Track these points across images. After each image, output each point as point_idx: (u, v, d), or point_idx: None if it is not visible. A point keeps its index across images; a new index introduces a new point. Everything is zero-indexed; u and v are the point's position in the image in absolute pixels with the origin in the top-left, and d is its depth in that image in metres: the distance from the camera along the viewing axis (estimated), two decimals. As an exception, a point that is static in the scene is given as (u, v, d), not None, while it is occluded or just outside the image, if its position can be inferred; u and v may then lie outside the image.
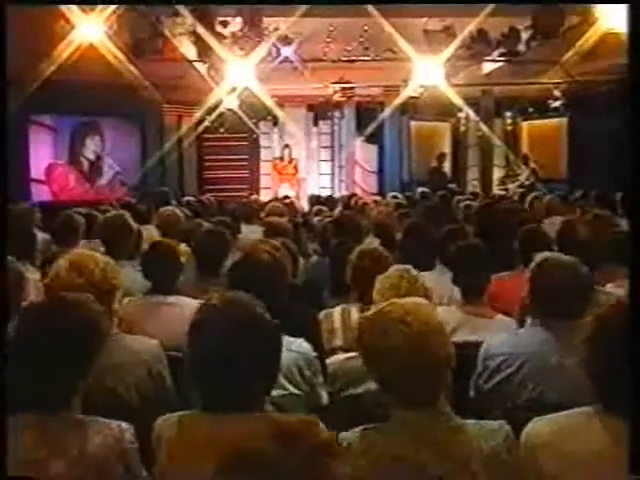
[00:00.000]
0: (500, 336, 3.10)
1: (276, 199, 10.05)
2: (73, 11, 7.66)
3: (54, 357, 2.16)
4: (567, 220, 4.69)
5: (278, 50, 11.59)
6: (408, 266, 3.07)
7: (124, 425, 2.20)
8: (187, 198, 10.64)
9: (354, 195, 10.62)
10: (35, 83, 8.64)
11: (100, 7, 7.54)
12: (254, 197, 10.80)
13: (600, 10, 8.32)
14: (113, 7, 7.61)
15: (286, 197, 11.09)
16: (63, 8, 7.69)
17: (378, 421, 2.27)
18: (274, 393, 2.69)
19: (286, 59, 11.80)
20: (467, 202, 8.12)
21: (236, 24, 9.29)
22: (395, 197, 10.41)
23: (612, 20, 8.29)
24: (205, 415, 2.06)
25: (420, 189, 11.20)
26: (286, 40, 11.53)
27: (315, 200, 10.50)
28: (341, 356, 3.02)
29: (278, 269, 3.01)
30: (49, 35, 8.04)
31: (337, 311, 3.82)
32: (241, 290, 2.92)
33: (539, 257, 2.98)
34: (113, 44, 7.87)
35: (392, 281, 2.93)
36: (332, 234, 5.76)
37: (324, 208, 8.48)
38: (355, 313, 3.76)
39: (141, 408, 2.94)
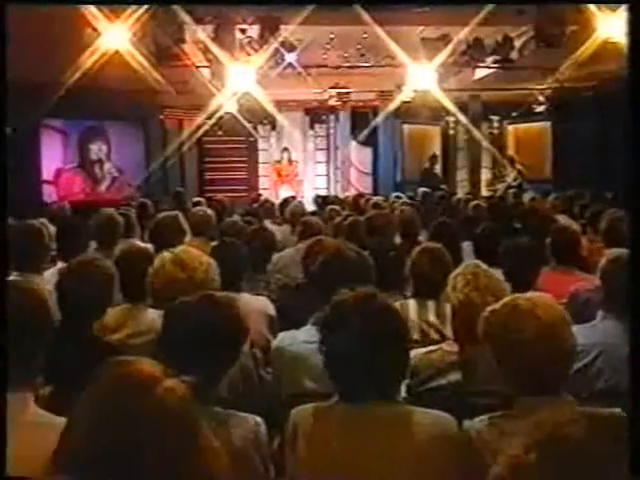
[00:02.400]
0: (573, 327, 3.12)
1: (286, 200, 10.00)
2: (99, 18, 7.59)
3: (205, 351, 2.15)
4: (613, 217, 4.73)
5: (282, 56, 11.60)
6: (478, 261, 3.08)
7: (258, 419, 2.20)
8: (197, 199, 10.57)
9: (361, 195, 10.62)
10: (62, 89, 8.57)
11: (126, 13, 7.47)
12: (264, 197, 10.76)
13: (598, 19, 8.37)
14: (137, 14, 7.54)
15: (293, 197, 11.07)
16: (89, 15, 7.61)
17: (461, 411, 2.29)
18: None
19: (289, 65, 11.81)
20: (476, 202, 8.16)
21: (255, 31, 9.26)
22: (398, 197, 10.44)
23: (610, 29, 8.36)
24: (341, 406, 2.07)
25: (421, 189, 11.24)
26: (290, 46, 11.54)
27: (322, 200, 10.46)
28: (422, 350, 3.02)
29: (365, 266, 3.03)
30: (74, 42, 7.99)
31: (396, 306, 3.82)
32: (332, 287, 2.95)
33: (611, 253, 3.02)
34: (138, 51, 7.82)
35: (467, 277, 2.92)
36: (364, 232, 5.75)
37: (337, 207, 8.45)
38: (413, 308, 3.78)
39: (231, 400, 2.93)
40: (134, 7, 7.61)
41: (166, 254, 3.00)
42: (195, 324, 2.20)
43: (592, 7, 8.26)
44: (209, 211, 6.50)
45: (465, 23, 10.18)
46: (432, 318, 3.69)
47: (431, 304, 3.72)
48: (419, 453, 2.01)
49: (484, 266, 2.97)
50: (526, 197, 10.28)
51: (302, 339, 2.94)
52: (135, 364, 1.42)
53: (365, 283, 3.03)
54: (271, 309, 3.89)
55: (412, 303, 3.77)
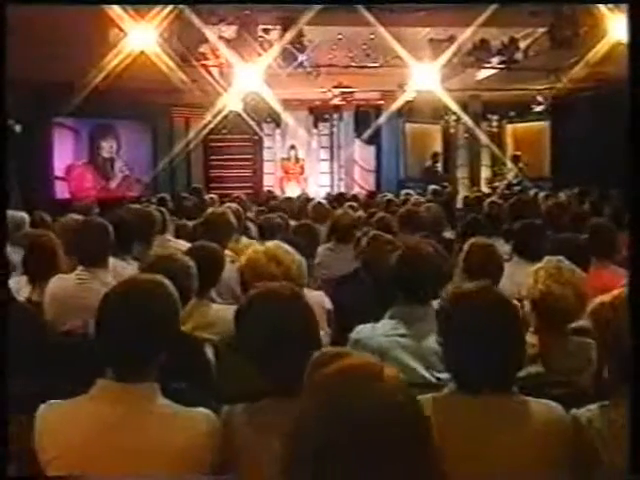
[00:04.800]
0: None
1: (299, 197, 10.03)
2: (125, 18, 7.56)
3: (296, 342, 2.15)
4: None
5: (293, 56, 11.57)
6: (560, 257, 3.11)
7: None
8: (210, 195, 10.56)
9: (374, 193, 10.64)
10: (87, 89, 8.56)
11: (152, 13, 7.45)
12: (277, 193, 10.75)
13: (609, 20, 8.40)
14: (163, 14, 7.52)
15: (304, 194, 11.09)
16: (114, 16, 7.58)
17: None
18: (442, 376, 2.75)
19: (300, 64, 11.79)
20: (492, 199, 8.20)
21: (277, 32, 9.26)
22: (408, 194, 10.49)
23: (620, 30, 8.39)
24: (460, 396, 2.09)
25: (431, 187, 11.29)
26: (300, 47, 11.51)
27: (334, 198, 10.47)
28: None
29: (443, 260, 3.06)
30: (99, 43, 7.97)
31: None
32: (408, 280, 2.97)
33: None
34: (164, 51, 7.80)
35: (550, 271, 2.96)
36: (398, 228, 5.77)
37: (354, 204, 8.48)
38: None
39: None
40: (159, 7, 7.58)
41: (259, 248, 3.03)
42: (282, 315, 2.18)
43: (603, 9, 8.29)
44: (240, 208, 6.51)
45: (469, 24, 10.16)
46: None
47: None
48: (535, 442, 2.04)
49: (566, 262, 3.00)
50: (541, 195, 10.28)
51: (382, 332, 2.96)
52: (351, 355, 1.41)
53: (442, 277, 3.08)
54: (328, 303, 3.91)
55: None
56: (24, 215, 6.01)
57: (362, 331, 3.01)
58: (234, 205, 6.63)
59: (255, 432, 2.06)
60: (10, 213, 5.89)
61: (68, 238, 4.58)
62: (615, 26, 8.43)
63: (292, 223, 7.31)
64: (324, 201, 8.07)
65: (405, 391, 1.33)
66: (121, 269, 4.51)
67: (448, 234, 6.96)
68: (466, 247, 3.87)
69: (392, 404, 1.28)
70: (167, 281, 2.18)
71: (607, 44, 8.45)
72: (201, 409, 2.11)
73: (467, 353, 2.05)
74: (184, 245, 6.05)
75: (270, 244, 3.15)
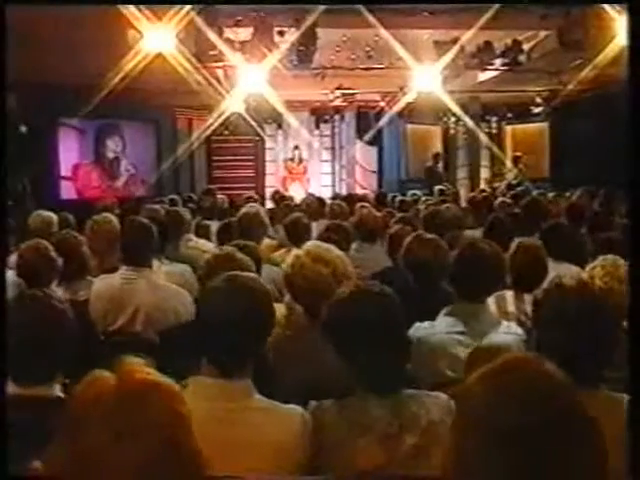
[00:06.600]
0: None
1: (307, 198, 10.01)
2: (141, 20, 7.54)
3: (381, 341, 2.17)
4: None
5: (309, 57, 11.53)
6: (615, 255, 3.14)
7: (445, 396, 2.22)
8: (220, 196, 10.53)
9: (384, 194, 10.65)
10: (96, 91, 8.56)
11: (169, 14, 7.43)
12: (287, 194, 10.76)
13: (618, 24, 8.45)
14: (180, 16, 7.50)
15: (311, 194, 11.09)
16: (130, 17, 7.56)
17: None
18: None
19: (313, 66, 11.78)
20: (503, 199, 8.22)
21: (292, 34, 9.26)
22: (415, 194, 10.52)
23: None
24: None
25: (437, 187, 11.33)
26: (315, 48, 11.47)
27: (343, 199, 10.44)
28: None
29: (500, 259, 3.07)
30: (115, 44, 7.94)
31: (491, 298, 3.86)
32: (467, 278, 2.99)
33: None
34: (181, 53, 7.79)
35: (608, 269, 3.00)
36: (423, 228, 5.77)
37: (366, 204, 8.47)
38: (510, 300, 3.83)
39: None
40: (176, 8, 7.57)
41: (299, 251, 3.02)
42: (362, 315, 2.19)
43: (612, 12, 8.33)
44: (262, 209, 6.52)
45: (483, 27, 10.17)
46: (529, 310, 3.75)
47: (527, 297, 3.78)
48: (617, 435, 2.06)
49: (621, 259, 3.04)
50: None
51: (441, 330, 2.98)
52: (506, 349, 1.39)
53: (499, 276, 3.10)
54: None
55: (509, 295, 3.83)
56: (52, 215, 6.00)
57: (420, 328, 3.02)
58: (253, 206, 6.63)
59: (347, 430, 2.07)
60: (40, 213, 5.89)
61: (105, 237, 4.59)
62: (623, 29, 8.48)
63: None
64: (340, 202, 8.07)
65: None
66: (158, 269, 4.52)
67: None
68: (513, 248, 3.88)
69: (567, 395, 1.27)
70: (265, 285, 2.19)
71: (615, 47, 8.49)
72: (293, 406, 2.12)
73: (559, 349, 2.06)
74: (205, 244, 6.09)
75: (308, 245, 3.13)
